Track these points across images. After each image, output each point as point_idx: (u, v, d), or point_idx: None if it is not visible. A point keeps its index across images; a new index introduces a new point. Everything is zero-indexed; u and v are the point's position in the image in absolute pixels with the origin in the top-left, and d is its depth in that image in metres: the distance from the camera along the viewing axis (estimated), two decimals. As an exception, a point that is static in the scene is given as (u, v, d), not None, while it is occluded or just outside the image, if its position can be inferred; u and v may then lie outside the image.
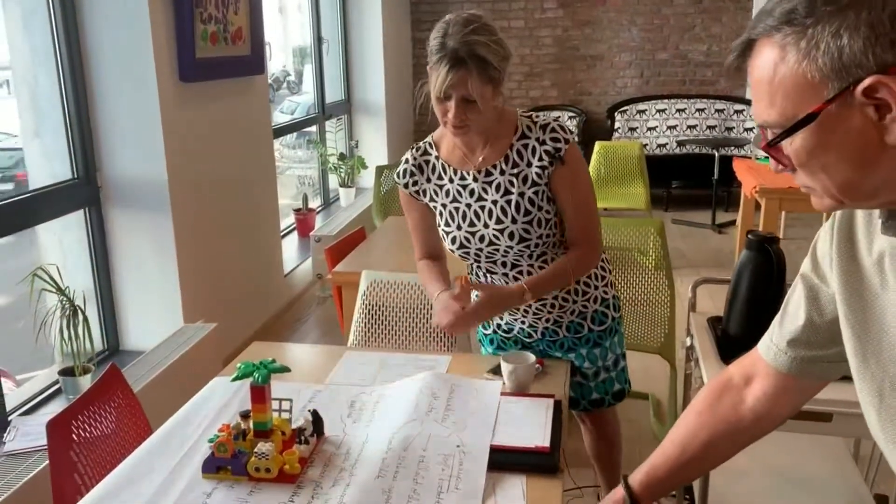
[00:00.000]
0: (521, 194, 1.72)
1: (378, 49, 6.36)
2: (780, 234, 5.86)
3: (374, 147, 6.58)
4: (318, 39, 5.83)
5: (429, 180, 1.82)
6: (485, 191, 1.75)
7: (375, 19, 6.31)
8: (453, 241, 1.81)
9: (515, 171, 1.72)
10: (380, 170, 4.54)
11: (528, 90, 7.18)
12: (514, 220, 1.72)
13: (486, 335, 2.04)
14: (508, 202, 1.72)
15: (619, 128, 7.03)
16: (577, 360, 1.91)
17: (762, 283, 1.71)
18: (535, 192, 1.72)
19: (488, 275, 1.87)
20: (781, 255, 1.71)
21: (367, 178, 6.13)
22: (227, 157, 3.72)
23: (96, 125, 3.06)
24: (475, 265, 1.87)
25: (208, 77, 3.41)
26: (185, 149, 3.26)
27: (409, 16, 7.30)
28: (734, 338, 1.78)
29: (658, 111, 7.07)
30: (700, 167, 6.52)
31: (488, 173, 1.74)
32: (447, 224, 1.81)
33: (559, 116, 6.80)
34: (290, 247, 5.08)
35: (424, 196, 1.84)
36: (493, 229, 1.75)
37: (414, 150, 1.86)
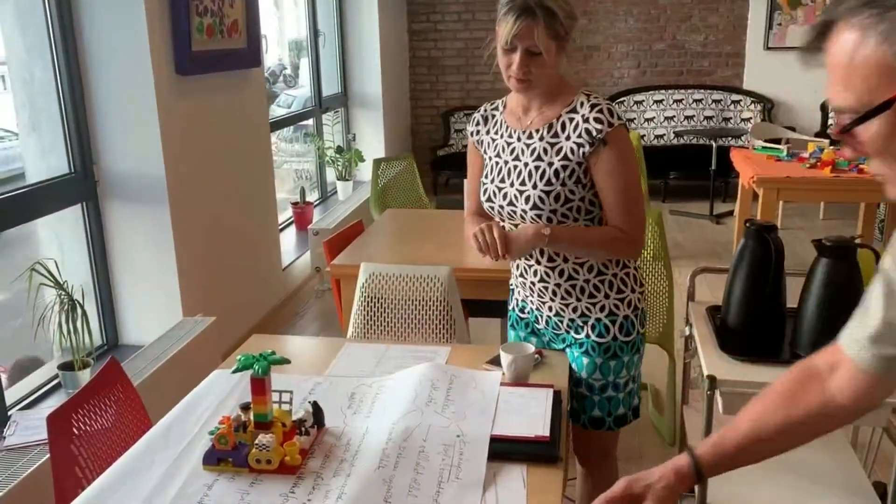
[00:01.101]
0: (550, 164, 1.73)
1: (374, 41, 6.34)
2: (778, 225, 5.87)
3: (372, 140, 6.57)
4: (315, 32, 5.81)
5: (488, 132, 1.88)
6: (522, 152, 1.78)
7: (372, 11, 6.29)
8: (484, 191, 1.85)
9: (553, 140, 1.74)
10: (377, 162, 4.54)
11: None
12: (534, 186, 1.74)
13: (511, 309, 2.03)
14: (537, 168, 1.74)
15: (616, 119, 7.02)
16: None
17: (761, 271, 1.72)
18: (564, 167, 1.72)
19: None
20: (780, 244, 1.72)
21: (365, 171, 6.12)
22: (225, 151, 3.71)
23: (93, 119, 3.05)
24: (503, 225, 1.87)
25: (204, 70, 3.40)
26: (182, 142, 3.25)
27: (405, 7, 7.27)
28: (733, 327, 1.78)
29: (655, 102, 7.06)
30: (697, 158, 6.53)
31: (530, 136, 1.77)
32: (486, 176, 1.86)
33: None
34: (288, 240, 5.08)
35: (481, 146, 1.90)
36: (516, 189, 1.77)
37: (488, 104, 1.93)
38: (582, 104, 1.72)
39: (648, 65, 7.18)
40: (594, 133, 1.68)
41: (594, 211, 1.77)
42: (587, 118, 1.70)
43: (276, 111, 7.45)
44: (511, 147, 1.80)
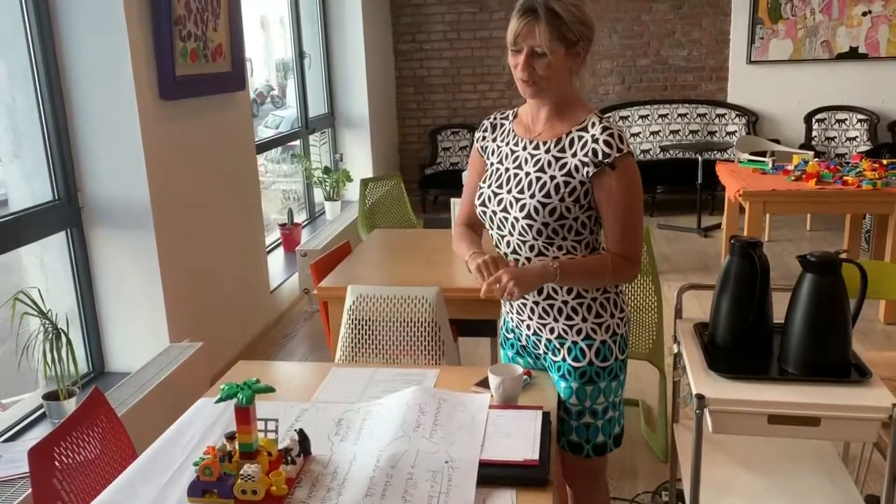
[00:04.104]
0: (552, 177, 1.71)
1: (360, 62, 6.36)
2: (765, 237, 5.90)
3: (359, 160, 6.57)
4: (300, 54, 5.83)
5: (494, 140, 1.88)
6: (526, 161, 1.76)
7: (357, 32, 6.31)
8: (479, 195, 1.83)
9: (559, 155, 1.72)
10: (364, 182, 4.53)
11: (511, 99, 7.20)
12: (532, 196, 1.71)
13: (501, 328, 1.99)
14: (538, 179, 1.72)
15: (602, 134, 7.06)
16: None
17: (747, 288, 1.71)
18: (565, 182, 1.70)
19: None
20: (765, 260, 1.71)
21: (353, 191, 6.12)
22: (211, 174, 3.70)
23: (76, 145, 3.04)
24: (491, 233, 1.86)
25: (189, 94, 3.40)
26: (167, 166, 3.24)
27: (390, 28, 7.31)
28: (721, 344, 1.77)
29: (641, 117, 7.11)
30: (684, 171, 6.56)
31: (536, 146, 1.76)
32: (485, 180, 1.84)
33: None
34: (276, 262, 5.06)
35: (485, 152, 1.89)
36: (513, 196, 1.75)
37: (499, 112, 1.92)
38: (593, 125, 1.71)
39: (633, 80, 7.23)
40: (601, 156, 1.67)
41: (584, 234, 1.74)
42: (597, 139, 1.68)
43: (264, 132, 7.45)
44: (515, 155, 1.79)
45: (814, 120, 6.83)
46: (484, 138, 1.90)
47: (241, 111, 4.05)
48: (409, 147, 7.67)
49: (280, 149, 6.67)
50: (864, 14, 6.62)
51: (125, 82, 2.99)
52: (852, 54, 6.71)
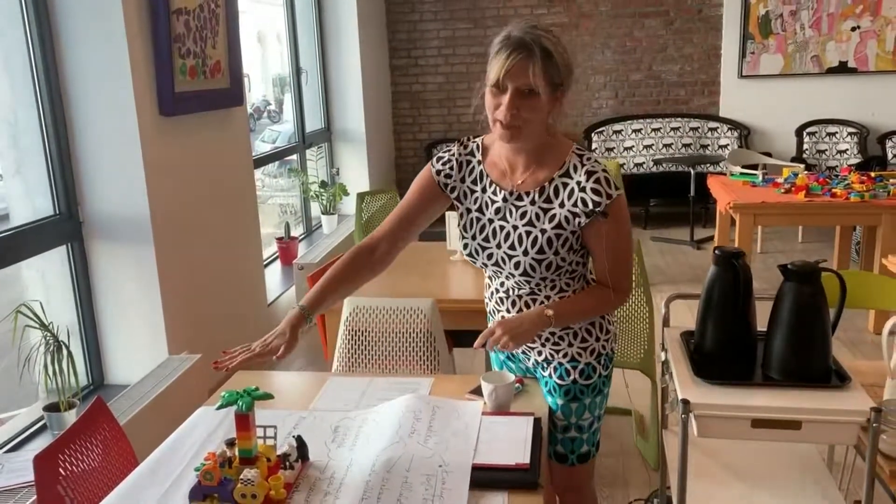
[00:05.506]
0: (543, 231, 1.66)
1: (356, 78, 6.44)
2: (757, 249, 5.96)
3: (355, 174, 6.64)
4: (297, 70, 5.90)
5: (463, 181, 1.77)
6: (510, 213, 1.69)
7: (353, 49, 6.39)
8: (465, 247, 1.78)
9: (546, 206, 1.66)
10: (361, 196, 4.59)
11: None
12: (525, 253, 1.67)
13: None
14: (528, 234, 1.67)
15: (596, 148, 7.14)
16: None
17: (730, 297, 1.77)
18: (557, 235, 1.66)
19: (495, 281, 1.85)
20: (747, 270, 1.77)
21: (349, 205, 6.17)
22: (209, 189, 3.75)
23: (77, 160, 3.09)
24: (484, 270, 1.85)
25: (188, 110, 3.45)
26: (166, 181, 3.29)
27: (386, 44, 7.40)
28: (706, 352, 1.82)
29: (634, 131, 7.19)
30: (677, 184, 6.64)
31: (520, 197, 1.68)
32: (465, 230, 1.77)
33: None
34: (273, 276, 5.10)
35: (452, 192, 1.78)
36: (504, 252, 1.71)
37: (461, 147, 1.79)
38: (576, 168, 1.64)
39: (626, 95, 7.32)
40: (591, 205, 1.61)
41: (577, 270, 1.76)
42: (584, 187, 1.62)
43: (261, 146, 7.51)
44: (496, 206, 1.72)
45: (805, 133, 6.92)
46: (448, 176, 1.77)
47: (239, 127, 4.11)
48: (405, 161, 7.74)
49: (277, 163, 6.73)
50: (853, 29, 6.73)
51: (125, 98, 3.05)
52: (842, 69, 6.81)
